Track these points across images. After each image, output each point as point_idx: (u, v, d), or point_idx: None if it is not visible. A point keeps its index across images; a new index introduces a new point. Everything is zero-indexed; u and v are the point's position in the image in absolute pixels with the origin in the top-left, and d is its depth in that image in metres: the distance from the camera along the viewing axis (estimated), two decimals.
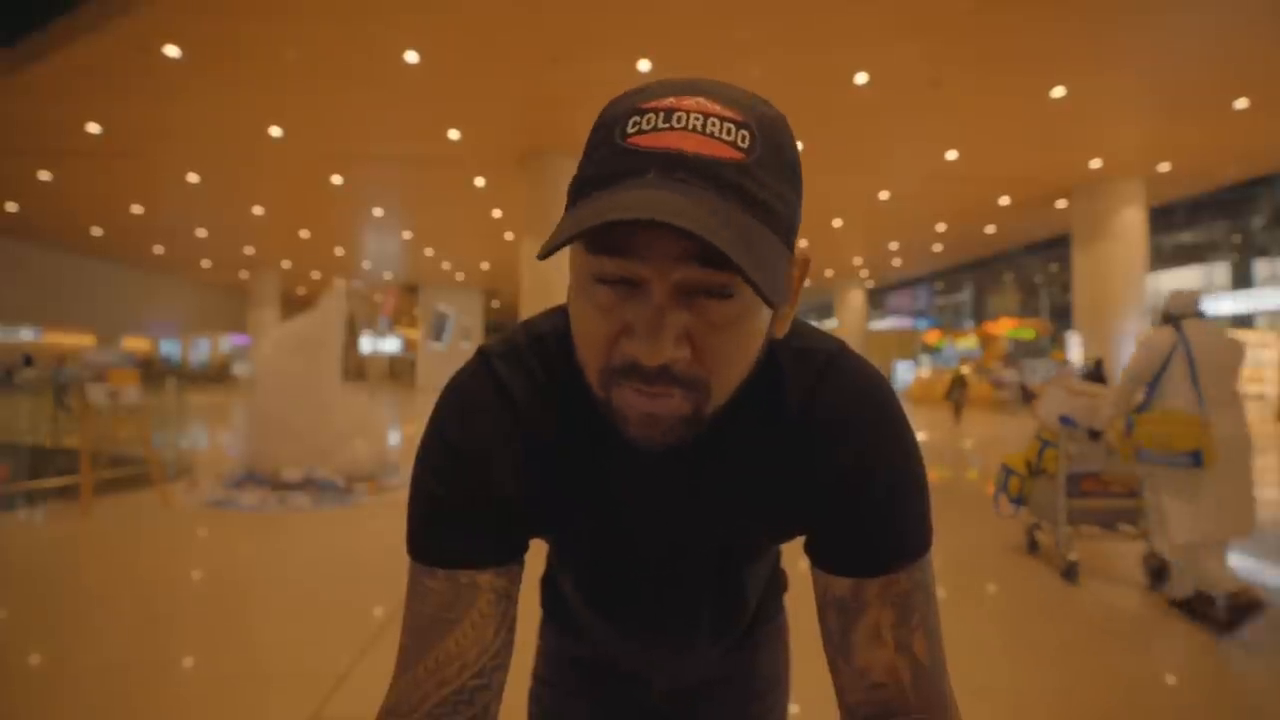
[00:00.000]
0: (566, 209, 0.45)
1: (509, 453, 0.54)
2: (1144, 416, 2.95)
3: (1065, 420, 3.47)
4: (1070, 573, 3.40)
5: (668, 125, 0.41)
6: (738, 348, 0.45)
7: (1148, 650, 2.68)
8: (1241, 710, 2.21)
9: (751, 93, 0.46)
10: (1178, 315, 3.01)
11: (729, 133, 0.41)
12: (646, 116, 0.42)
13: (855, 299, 25.18)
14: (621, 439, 0.51)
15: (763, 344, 0.48)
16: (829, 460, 0.54)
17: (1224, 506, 2.77)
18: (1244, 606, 2.62)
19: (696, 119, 0.41)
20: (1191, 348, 2.87)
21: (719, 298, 0.42)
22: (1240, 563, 3.71)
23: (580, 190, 0.44)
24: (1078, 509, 3.48)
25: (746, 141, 0.42)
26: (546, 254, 0.39)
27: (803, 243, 0.50)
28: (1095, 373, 9.30)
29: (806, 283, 0.51)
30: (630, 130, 0.42)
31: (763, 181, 0.42)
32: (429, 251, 19.75)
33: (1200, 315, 3.01)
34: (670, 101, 0.42)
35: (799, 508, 0.56)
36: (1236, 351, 2.93)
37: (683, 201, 0.38)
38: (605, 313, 0.44)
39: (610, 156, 0.42)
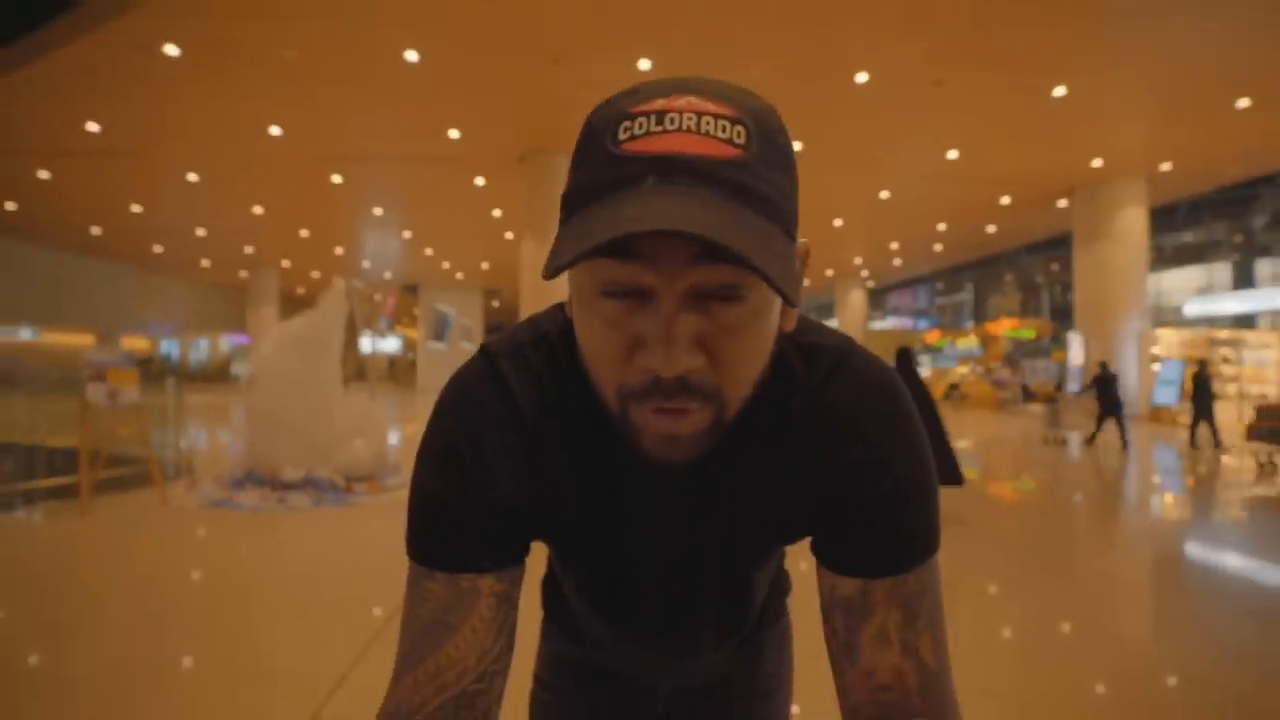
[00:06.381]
0: (561, 220, 0.44)
1: (511, 452, 0.53)
2: None
3: None
4: None
5: (660, 128, 0.40)
6: (753, 351, 0.44)
7: None
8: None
9: (741, 87, 0.44)
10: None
11: (724, 130, 0.40)
12: (638, 121, 0.41)
13: (856, 299, 25.18)
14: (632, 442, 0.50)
15: (773, 343, 0.47)
16: (839, 458, 0.53)
17: None
18: None
19: (690, 119, 0.40)
20: None
21: (730, 300, 0.41)
22: (1242, 562, 3.81)
23: (576, 200, 0.43)
24: None
25: (742, 137, 0.41)
26: (555, 273, 0.38)
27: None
28: (1105, 376, 8.99)
29: (806, 282, 0.50)
30: (622, 136, 0.41)
31: (762, 175, 0.41)
32: (429, 251, 19.76)
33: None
34: (661, 103, 0.41)
35: (808, 507, 0.55)
36: None
37: (688, 206, 0.37)
38: (614, 327, 0.43)
39: (604, 164, 0.41)
